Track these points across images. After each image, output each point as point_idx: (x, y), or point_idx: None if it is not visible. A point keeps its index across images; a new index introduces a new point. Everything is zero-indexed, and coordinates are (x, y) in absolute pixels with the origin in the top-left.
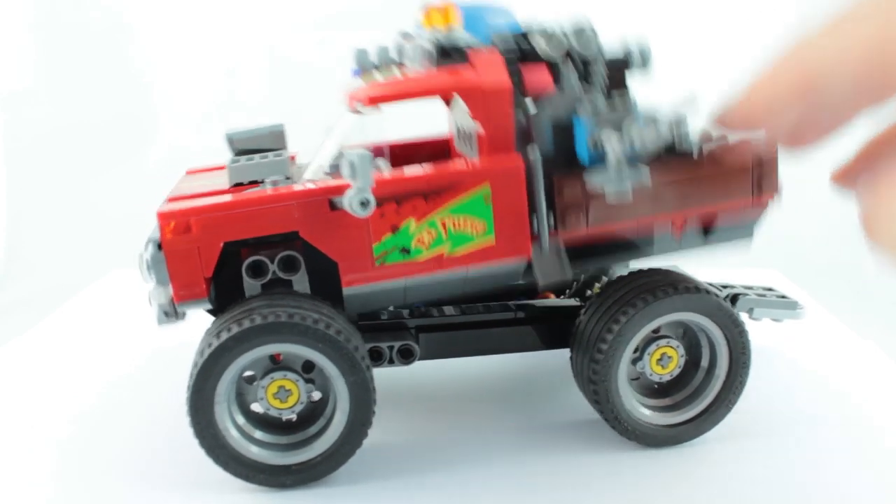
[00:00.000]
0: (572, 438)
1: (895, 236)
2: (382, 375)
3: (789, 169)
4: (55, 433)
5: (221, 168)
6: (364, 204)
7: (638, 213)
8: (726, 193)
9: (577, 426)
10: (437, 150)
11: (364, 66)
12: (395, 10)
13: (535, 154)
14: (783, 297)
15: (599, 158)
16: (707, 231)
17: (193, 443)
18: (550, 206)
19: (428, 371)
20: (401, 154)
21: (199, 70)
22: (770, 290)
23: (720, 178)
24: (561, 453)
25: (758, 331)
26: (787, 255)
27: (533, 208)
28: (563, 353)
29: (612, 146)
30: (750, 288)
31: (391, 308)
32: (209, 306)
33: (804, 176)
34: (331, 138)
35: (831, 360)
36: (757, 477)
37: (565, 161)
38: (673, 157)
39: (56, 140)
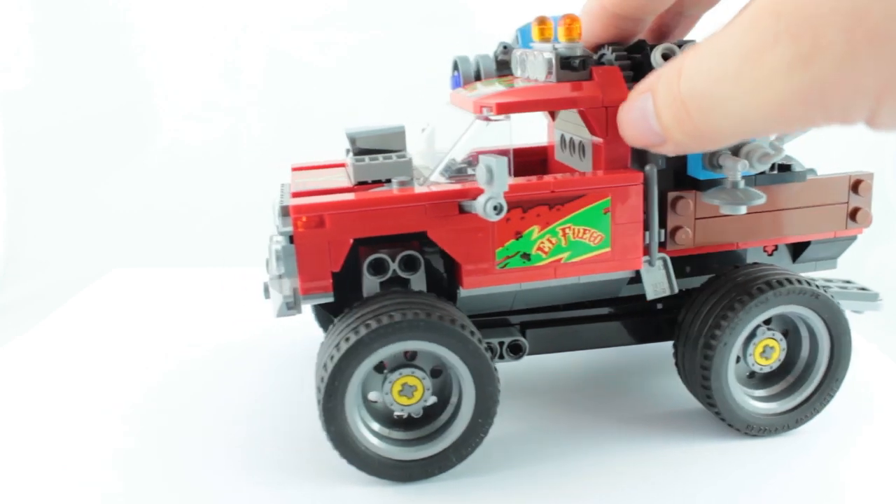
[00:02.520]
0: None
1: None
2: None
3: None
4: (55, 434)
5: (329, 166)
6: (497, 209)
7: (742, 236)
8: (822, 224)
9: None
10: (532, 159)
11: (467, 75)
12: (394, 10)
13: (651, 170)
14: (863, 289)
15: (713, 176)
16: (796, 253)
17: (195, 440)
18: (662, 221)
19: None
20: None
21: (200, 69)
22: (849, 282)
23: (819, 209)
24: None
25: None
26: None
27: (646, 223)
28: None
29: (730, 166)
30: (830, 281)
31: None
32: (332, 300)
33: None
34: (454, 143)
35: None
36: (758, 476)
37: (676, 178)
38: (778, 184)
39: (56, 139)
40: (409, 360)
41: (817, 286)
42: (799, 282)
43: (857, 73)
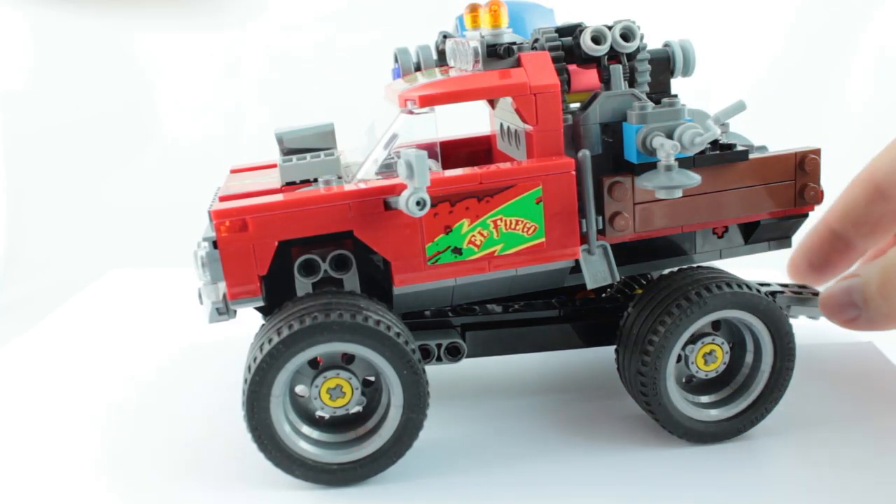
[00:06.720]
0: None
1: None
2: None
3: None
4: (55, 434)
5: (266, 167)
6: (420, 204)
7: (684, 219)
8: (770, 203)
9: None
10: (477, 149)
11: (406, 66)
12: (394, 10)
13: (584, 156)
14: (817, 294)
15: (648, 160)
16: (748, 234)
17: (197, 439)
18: (599, 208)
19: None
20: (441, 153)
21: (199, 70)
22: (804, 287)
23: (765, 188)
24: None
25: None
26: (787, 254)
27: (582, 210)
28: (604, 351)
29: (663, 148)
30: (785, 286)
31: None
32: (262, 304)
33: None
34: (381, 138)
35: (830, 360)
36: (758, 477)
37: (613, 162)
38: (719, 164)
39: (55, 139)
40: (346, 362)
41: (759, 291)
42: (740, 286)
43: None
